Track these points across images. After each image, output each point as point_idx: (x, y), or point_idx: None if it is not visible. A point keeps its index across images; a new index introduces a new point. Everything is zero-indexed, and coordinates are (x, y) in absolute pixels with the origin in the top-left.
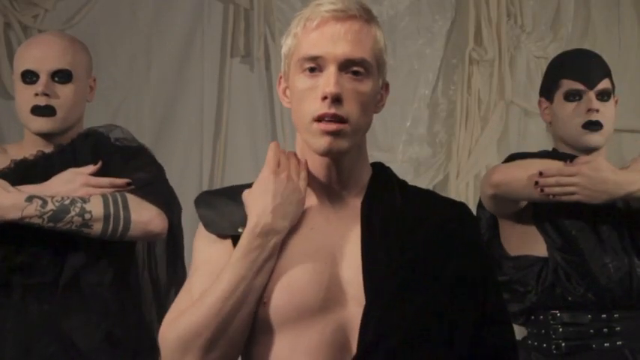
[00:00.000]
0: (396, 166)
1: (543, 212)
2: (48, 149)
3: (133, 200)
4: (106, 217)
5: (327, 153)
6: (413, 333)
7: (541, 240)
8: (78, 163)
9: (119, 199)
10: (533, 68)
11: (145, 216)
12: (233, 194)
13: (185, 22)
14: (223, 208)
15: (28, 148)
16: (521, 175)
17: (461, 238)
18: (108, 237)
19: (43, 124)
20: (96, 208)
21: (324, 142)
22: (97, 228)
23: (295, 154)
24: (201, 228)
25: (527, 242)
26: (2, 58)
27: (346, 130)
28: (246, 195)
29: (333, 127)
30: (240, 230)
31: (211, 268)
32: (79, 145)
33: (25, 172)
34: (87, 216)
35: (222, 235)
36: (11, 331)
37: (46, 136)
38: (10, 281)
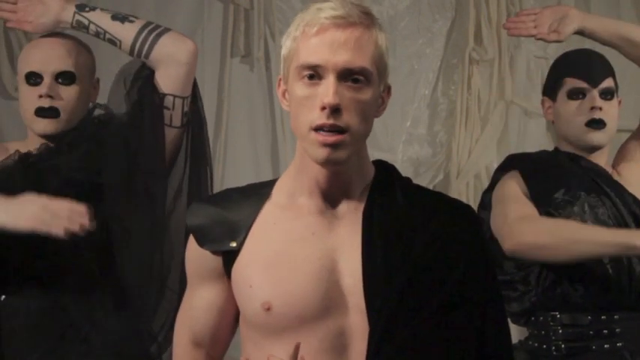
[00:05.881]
0: (396, 166)
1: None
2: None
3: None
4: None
5: (325, 164)
6: (417, 347)
7: None
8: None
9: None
10: (534, 68)
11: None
12: (225, 202)
13: (185, 22)
14: (215, 220)
15: (32, 148)
16: (547, 240)
17: (463, 245)
18: (142, 37)
19: (46, 125)
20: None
21: (322, 152)
22: (141, 21)
23: None
24: (192, 241)
25: None
26: (2, 59)
27: (345, 140)
28: None
29: (331, 139)
30: (232, 245)
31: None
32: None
33: (28, 166)
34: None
35: (215, 252)
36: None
37: (50, 137)
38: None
